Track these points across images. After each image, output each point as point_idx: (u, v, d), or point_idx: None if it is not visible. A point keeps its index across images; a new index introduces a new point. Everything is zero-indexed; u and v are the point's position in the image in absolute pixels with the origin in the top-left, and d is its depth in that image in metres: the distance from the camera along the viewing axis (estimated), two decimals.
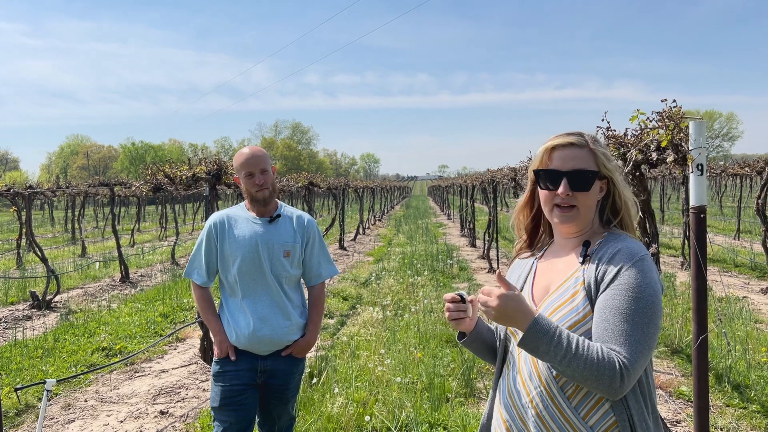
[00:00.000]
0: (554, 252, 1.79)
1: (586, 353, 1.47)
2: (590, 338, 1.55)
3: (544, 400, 1.60)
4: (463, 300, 1.72)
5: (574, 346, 1.48)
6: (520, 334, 1.53)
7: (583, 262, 1.64)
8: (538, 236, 1.87)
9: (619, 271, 1.55)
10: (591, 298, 1.58)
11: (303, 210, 4.27)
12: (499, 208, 13.16)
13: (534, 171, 1.73)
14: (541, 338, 1.49)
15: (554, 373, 1.59)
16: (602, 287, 1.56)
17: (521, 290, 1.79)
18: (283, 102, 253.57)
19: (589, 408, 1.57)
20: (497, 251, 11.75)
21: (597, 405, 1.57)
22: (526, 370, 1.67)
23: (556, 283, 1.69)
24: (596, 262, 1.61)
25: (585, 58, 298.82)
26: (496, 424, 1.78)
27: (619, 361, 1.46)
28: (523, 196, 1.83)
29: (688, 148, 3.13)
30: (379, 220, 30.13)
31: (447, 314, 1.73)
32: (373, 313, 7.75)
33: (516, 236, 1.91)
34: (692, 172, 3.14)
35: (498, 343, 1.85)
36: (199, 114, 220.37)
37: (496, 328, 1.86)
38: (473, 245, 16.35)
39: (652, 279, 1.54)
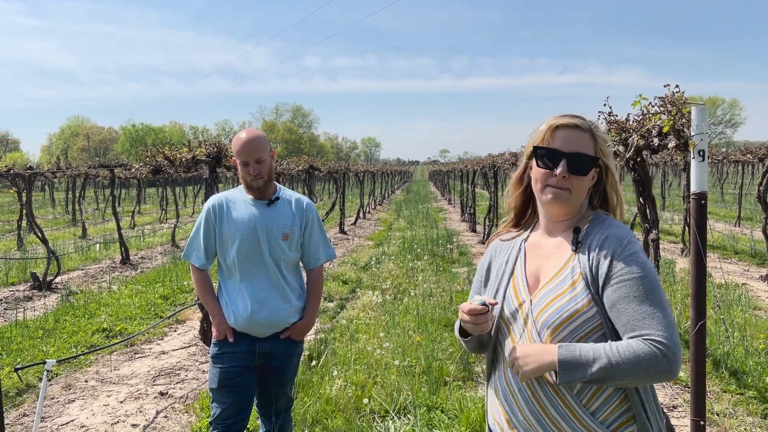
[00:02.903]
0: (541, 235, 1.77)
1: (621, 355, 1.45)
2: (590, 328, 1.56)
3: (547, 392, 1.60)
4: (486, 306, 1.62)
5: (606, 358, 1.46)
6: (553, 374, 1.54)
7: (575, 250, 1.64)
8: (525, 215, 1.85)
9: (612, 260, 1.56)
10: (589, 287, 1.58)
11: (303, 194, 4.26)
12: (499, 193, 13.13)
13: (534, 147, 1.70)
14: (575, 370, 1.49)
15: None
16: (601, 281, 1.56)
17: (511, 274, 1.76)
18: (284, 85, 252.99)
19: (590, 395, 1.58)
20: None
21: (599, 391, 1.58)
22: None
23: (550, 271, 1.67)
24: (587, 250, 1.62)
25: (587, 42, 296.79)
26: (496, 418, 1.75)
27: (655, 343, 1.45)
28: (517, 171, 1.81)
29: (689, 133, 3.11)
30: (380, 205, 30.10)
31: (469, 326, 1.64)
32: (372, 297, 7.77)
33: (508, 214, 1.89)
34: (693, 158, 3.12)
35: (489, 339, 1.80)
36: (199, 96, 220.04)
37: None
38: (474, 230, 16.35)
39: (645, 258, 1.58)
